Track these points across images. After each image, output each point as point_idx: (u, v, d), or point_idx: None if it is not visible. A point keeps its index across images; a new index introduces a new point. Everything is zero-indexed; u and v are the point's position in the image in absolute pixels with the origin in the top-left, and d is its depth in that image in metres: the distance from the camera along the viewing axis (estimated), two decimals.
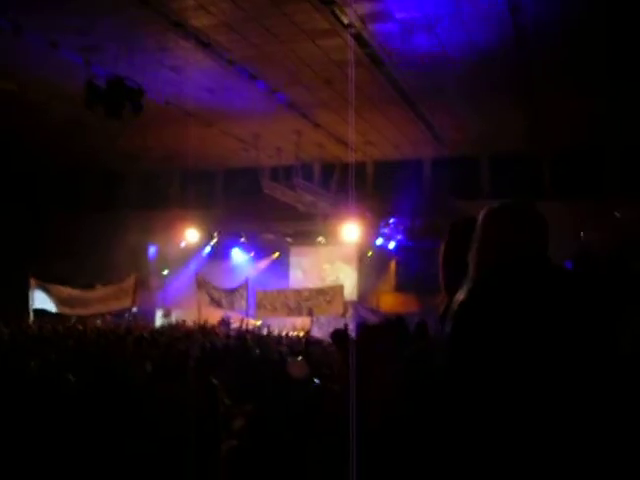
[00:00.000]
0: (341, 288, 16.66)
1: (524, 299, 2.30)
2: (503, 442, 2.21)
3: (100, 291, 17.27)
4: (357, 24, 11.39)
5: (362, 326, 4.47)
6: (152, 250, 23.45)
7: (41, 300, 17.05)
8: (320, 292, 16.76)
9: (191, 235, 22.26)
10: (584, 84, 14.07)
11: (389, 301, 20.33)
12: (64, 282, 17.82)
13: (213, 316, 18.05)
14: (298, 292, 17.01)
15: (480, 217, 2.53)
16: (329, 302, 16.16)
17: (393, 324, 4.12)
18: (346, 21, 11.27)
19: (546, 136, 17.49)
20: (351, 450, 3.20)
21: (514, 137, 17.82)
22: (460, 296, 2.41)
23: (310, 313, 16.33)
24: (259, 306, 16.32)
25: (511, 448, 2.20)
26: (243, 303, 16.50)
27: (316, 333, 15.30)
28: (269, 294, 16.81)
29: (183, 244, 22.57)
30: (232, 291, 17.09)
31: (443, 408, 2.34)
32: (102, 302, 16.85)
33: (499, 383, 2.22)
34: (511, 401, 2.19)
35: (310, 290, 16.86)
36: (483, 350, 2.24)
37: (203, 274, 18.09)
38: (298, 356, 8.15)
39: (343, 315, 19.45)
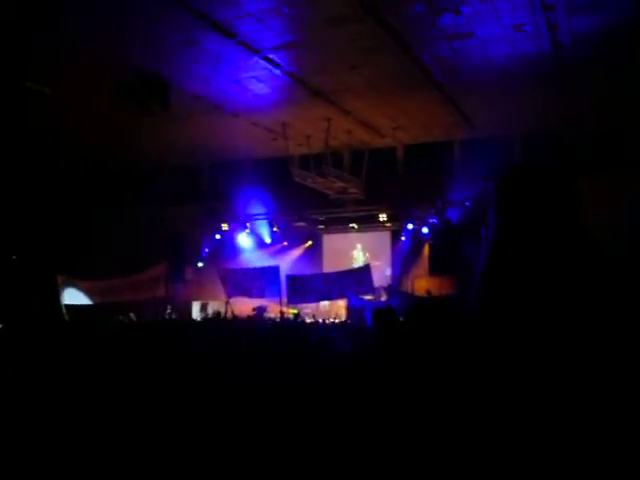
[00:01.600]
0: (368, 267, 16.56)
1: None
2: None
3: (130, 279, 17.35)
4: (382, 8, 11.31)
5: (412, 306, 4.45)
6: (186, 243, 23.66)
7: (71, 296, 17.24)
8: (348, 273, 16.71)
9: (224, 226, 22.46)
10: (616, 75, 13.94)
11: (423, 285, 20.29)
12: (103, 277, 18.04)
13: (246, 307, 18.11)
14: (326, 275, 16.99)
15: None
16: (358, 282, 16.05)
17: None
18: (371, 5, 11.19)
19: (579, 117, 17.26)
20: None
21: (546, 118, 17.60)
22: None
23: (341, 295, 16.26)
24: (290, 292, 16.29)
25: None
26: (275, 288, 16.32)
27: (352, 319, 15.30)
28: (298, 280, 16.79)
29: (217, 236, 22.76)
30: (261, 274, 16.91)
31: None
32: (134, 290, 16.94)
33: None
34: None
35: (338, 272, 16.78)
36: None
37: (226, 265, 18.08)
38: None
39: (377, 299, 19.52)
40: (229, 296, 16.53)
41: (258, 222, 22.61)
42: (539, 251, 2.43)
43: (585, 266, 2.46)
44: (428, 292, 13.38)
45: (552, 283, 2.38)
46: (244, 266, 18.49)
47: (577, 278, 2.41)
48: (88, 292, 17.23)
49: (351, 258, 22.21)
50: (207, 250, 23.05)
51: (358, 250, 22.24)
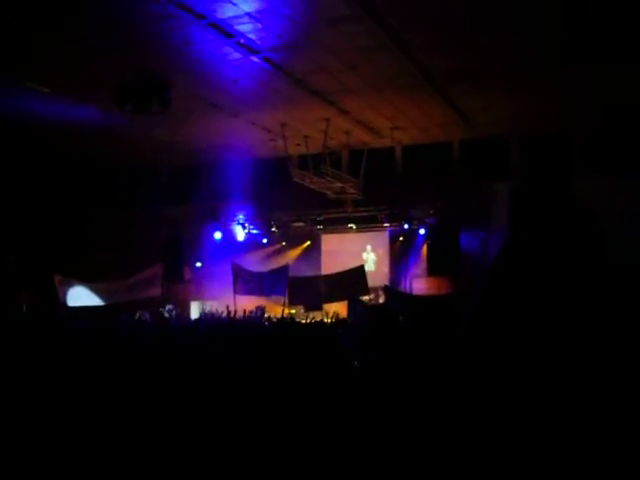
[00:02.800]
0: (362, 267, 16.63)
1: None
2: None
3: (129, 280, 17.42)
4: (380, 8, 11.33)
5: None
6: (184, 243, 23.67)
7: (72, 297, 17.24)
8: (345, 275, 16.78)
9: (222, 226, 22.49)
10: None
11: (422, 285, 20.32)
12: (101, 277, 18.06)
13: (246, 305, 18.16)
14: (327, 277, 17.06)
15: None
16: (354, 284, 16.15)
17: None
18: (369, 6, 11.21)
19: (578, 116, 17.31)
20: None
21: (544, 117, 17.65)
22: None
23: (340, 299, 16.38)
24: (291, 293, 16.39)
25: None
26: (282, 289, 16.57)
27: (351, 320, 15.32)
28: (300, 281, 16.88)
29: (215, 235, 22.78)
30: (272, 274, 17.13)
31: None
32: (132, 291, 17.02)
33: None
34: None
35: (338, 274, 16.86)
36: None
37: (238, 262, 18.15)
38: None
39: (375, 299, 19.53)
40: (237, 293, 16.66)
41: (256, 222, 22.61)
42: (553, 256, 2.48)
43: (597, 271, 2.50)
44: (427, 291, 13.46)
45: (563, 288, 2.42)
46: (243, 266, 18.47)
47: (588, 283, 2.45)
48: (97, 292, 17.26)
49: (351, 258, 22.21)
50: (205, 250, 23.05)
51: (357, 251, 22.25)
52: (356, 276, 16.45)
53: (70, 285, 17.26)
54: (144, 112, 12.75)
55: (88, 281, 17.52)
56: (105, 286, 17.47)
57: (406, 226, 20.56)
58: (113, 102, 12.77)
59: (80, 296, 17.31)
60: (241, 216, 22.57)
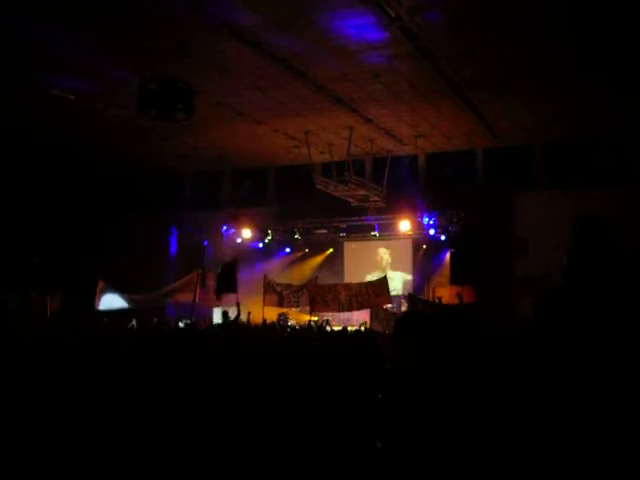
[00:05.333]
0: (385, 279, 16.62)
1: None
2: None
3: (166, 289, 17.58)
4: (404, 16, 11.33)
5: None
6: (207, 249, 23.76)
7: (104, 302, 17.40)
8: (367, 286, 16.75)
9: (245, 233, 22.55)
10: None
11: (445, 293, 20.19)
12: (122, 281, 18.19)
13: (271, 314, 18.24)
14: (348, 286, 17.04)
15: None
16: (377, 295, 16.13)
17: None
18: (393, 14, 11.22)
19: (602, 122, 17.17)
20: None
21: (568, 125, 17.55)
22: None
23: (360, 307, 16.36)
24: (312, 301, 16.41)
25: None
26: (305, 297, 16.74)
27: (376, 327, 15.29)
28: (321, 289, 16.89)
29: (238, 242, 22.85)
30: (301, 288, 17.30)
31: None
32: (168, 294, 17.21)
33: None
34: None
35: (359, 284, 16.86)
36: None
37: (269, 274, 18.26)
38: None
39: (398, 308, 19.45)
40: (266, 304, 16.86)
41: (279, 229, 22.64)
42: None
43: None
44: (459, 296, 13.31)
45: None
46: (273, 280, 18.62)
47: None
48: (131, 301, 17.41)
49: (373, 266, 22.19)
50: (228, 256, 23.12)
51: (380, 259, 22.24)
52: (379, 287, 16.42)
53: (108, 292, 17.43)
54: (168, 119, 12.82)
55: (125, 291, 17.70)
56: (141, 296, 17.64)
57: (429, 234, 20.47)
58: (137, 108, 12.84)
59: (111, 302, 17.45)
60: (264, 223, 22.60)
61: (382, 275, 17.98)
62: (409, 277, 21.89)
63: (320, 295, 16.39)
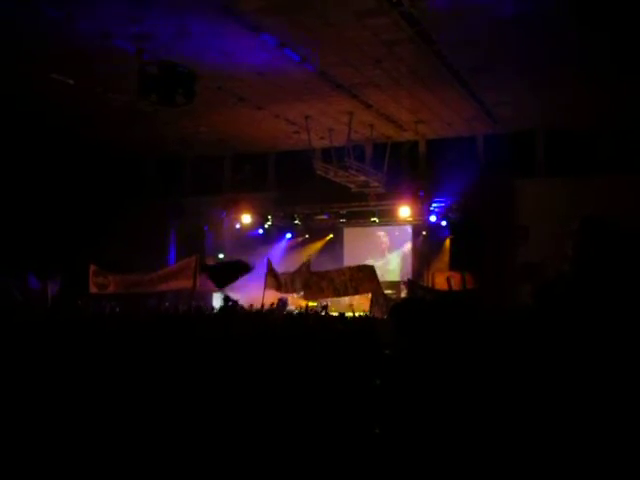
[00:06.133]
0: (372, 268, 16.59)
1: None
2: None
3: (161, 271, 17.47)
4: (406, 2, 11.28)
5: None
6: (207, 234, 23.77)
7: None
8: (358, 270, 16.73)
9: (245, 218, 22.55)
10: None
11: (443, 280, 20.23)
12: (122, 266, 18.17)
13: (269, 299, 18.25)
14: (342, 272, 17.01)
15: None
16: (369, 280, 16.11)
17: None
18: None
19: (603, 111, 17.12)
20: None
21: (570, 112, 17.51)
22: None
23: (356, 292, 16.35)
24: (306, 286, 16.39)
25: None
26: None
27: (376, 313, 15.32)
28: (315, 275, 16.87)
29: (238, 227, 22.86)
30: (294, 272, 17.23)
31: None
32: (163, 281, 17.04)
33: None
34: None
35: (350, 269, 16.81)
36: None
37: (271, 259, 18.26)
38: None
39: (397, 294, 19.49)
40: (267, 288, 16.79)
41: (279, 214, 22.64)
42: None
43: None
44: (448, 281, 13.22)
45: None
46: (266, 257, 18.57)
47: None
48: (115, 282, 17.33)
49: (373, 252, 22.19)
50: (227, 241, 23.14)
51: (380, 244, 22.27)
52: (368, 273, 16.39)
53: (101, 275, 17.37)
54: (169, 104, 12.77)
55: (117, 272, 17.62)
56: (133, 277, 17.54)
57: (429, 220, 20.46)
58: (138, 93, 12.79)
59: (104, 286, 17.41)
60: (264, 208, 22.59)
61: (377, 262, 17.95)
62: (409, 262, 21.90)
63: (314, 281, 16.39)
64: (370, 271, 16.34)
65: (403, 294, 19.17)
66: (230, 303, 11.50)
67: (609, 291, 2.66)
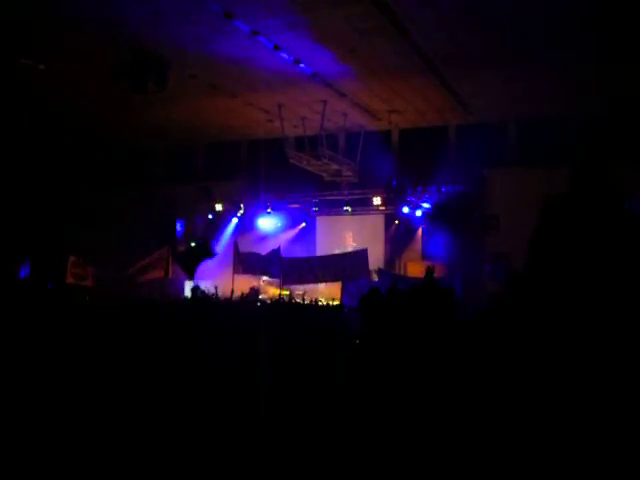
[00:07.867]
0: (365, 252, 16.61)
1: None
2: None
3: (137, 264, 17.43)
4: None
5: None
6: (180, 223, 23.68)
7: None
8: (345, 257, 16.78)
9: (217, 207, 22.47)
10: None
11: (416, 269, 20.34)
12: (91, 255, 18.06)
13: (242, 286, 18.23)
14: (324, 259, 17.04)
15: None
16: (355, 266, 16.13)
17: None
18: None
19: (575, 100, 17.26)
20: None
21: (541, 102, 17.64)
22: None
23: (337, 279, 16.37)
24: (285, 274, 16.40)
25: None
26: (275, 269, 16.65)
27: (346, 302, 15.38)
28: (295, 262, 16.89)
29: (210, 216, 22.78)
30: (264, 257, 17.22)
31: None
32: (140, 274, 17.05)
33: None
34: None
35: (335, 256, 16.86)
36: None
37: (238, 242, 18.18)
38: None
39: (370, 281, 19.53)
40: (235, 272, 16.75)
41: (251, 203, 22.58)
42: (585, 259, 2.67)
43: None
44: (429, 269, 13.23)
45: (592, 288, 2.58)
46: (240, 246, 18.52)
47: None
48: (92, 279, 17.25)
49: (345, 241, 22.22)
50: (200, 230, 23.05)
51: (352, 233, 22.29)
52: (358, 259, 16.40)
53: (80, 267, 17.26)
54: (140, 91, 12.68)
55: (96, 267, 17.53)
56: (112, 275, 17.48)
57: (403, 210, 20.55)
58: (112, 78, 12.69)
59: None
60: (236, 197, 22.52)
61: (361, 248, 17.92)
62: (381, 252, 21.96)
63: (294, 269, 16.39)
64: (359, 256, 16.34)
65: (375, 280, 19.24)
66: (199, 293, 11.51)
67: (569, 276, 2.67)
